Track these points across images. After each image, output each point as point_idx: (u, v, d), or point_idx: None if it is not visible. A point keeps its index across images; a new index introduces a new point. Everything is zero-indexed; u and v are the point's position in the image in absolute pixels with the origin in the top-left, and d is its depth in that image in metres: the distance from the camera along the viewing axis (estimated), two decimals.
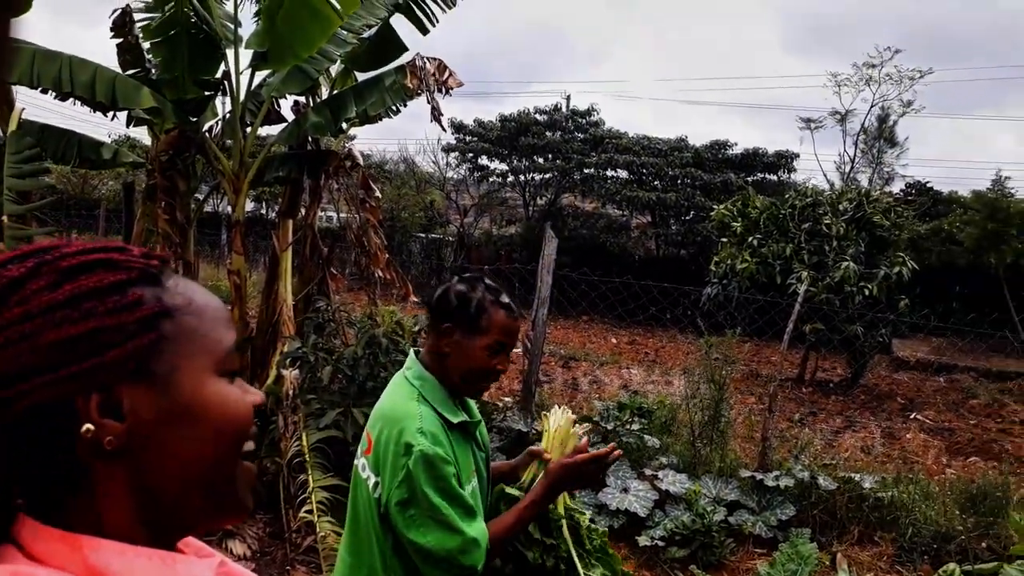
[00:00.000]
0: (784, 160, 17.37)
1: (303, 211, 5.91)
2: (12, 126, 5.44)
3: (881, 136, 17.29)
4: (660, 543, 4.49)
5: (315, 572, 4.00)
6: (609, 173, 18.27)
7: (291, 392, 4.79)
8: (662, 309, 13.52)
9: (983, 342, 12.64)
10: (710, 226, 13.71)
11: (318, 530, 4.14)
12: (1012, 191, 16.30)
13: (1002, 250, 12.85)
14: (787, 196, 11.62)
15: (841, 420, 8.54)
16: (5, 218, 4.99)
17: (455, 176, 22.07)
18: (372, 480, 1.71)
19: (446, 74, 5.02)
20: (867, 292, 9.93)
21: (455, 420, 1.75)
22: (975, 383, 10.68)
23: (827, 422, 8.37)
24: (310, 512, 4.21)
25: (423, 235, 20.53)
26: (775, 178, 17.57)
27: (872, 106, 19.55)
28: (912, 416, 9.04)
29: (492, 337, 1.76)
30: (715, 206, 12.95)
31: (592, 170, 18.17)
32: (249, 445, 0.71)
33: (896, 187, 18.14)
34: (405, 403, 1.74)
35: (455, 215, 21.29)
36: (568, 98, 21.06)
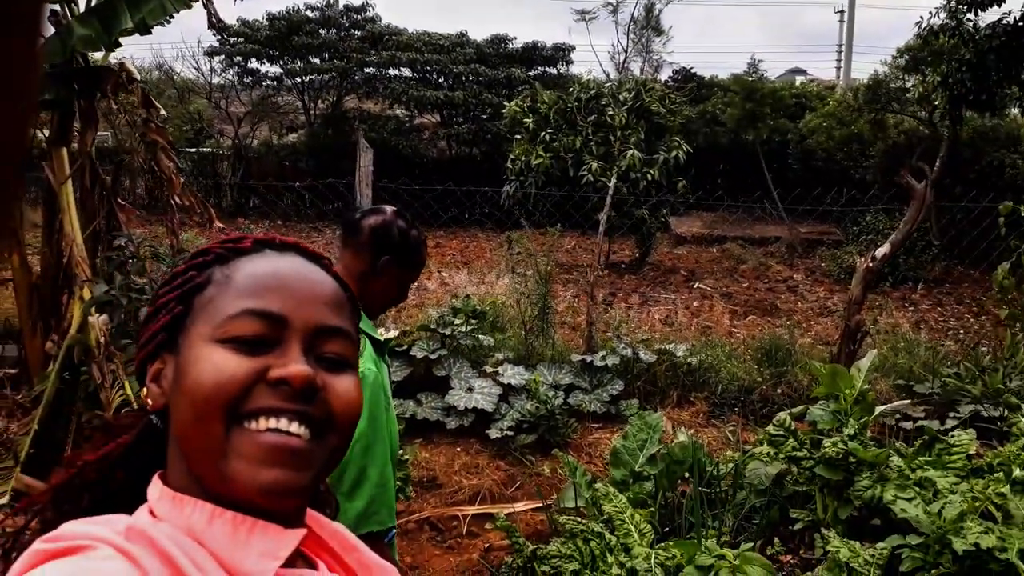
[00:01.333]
0: (562, 53, 17.80)
1: (76, 137, 5.22)
2: None
3: (649, 25, 18.21)
4: (509, 433, 4.76)
5: None
6: (392, 72, 17.74)
7: (102, 339, 4.37)
8: (462, 210, 13.73)
9: (748, 214, 14.21)
10: (501, 124, 13.90)
11: None
12: (764, 72, 18.03)
13: (758, 127, 14.32)
14: (571, 89, 12.02)
15: (638, 297, 9.34)
16: None
17: (222, 82, 20.29)
18: None
19: None
20: (650, 177, 10.71)
21: (382, 339, 1.84)
22: (743, 250, 12.06)
23: (627, 300, 9.12)
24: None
25: (192, 150, 18.86)
26: (555, 71, 18.01)
27: None
28: (695, 286, 10.08)
29: (419, 272, 1.92)
30: (504, 103, 13.11)
31: (374, 69, 17.54)
32: (272, 423, 0.65)
33: (665, 75, 19.32)
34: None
35: (227, 126, 19.72)
36: None
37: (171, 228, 5.38)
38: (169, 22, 5.13)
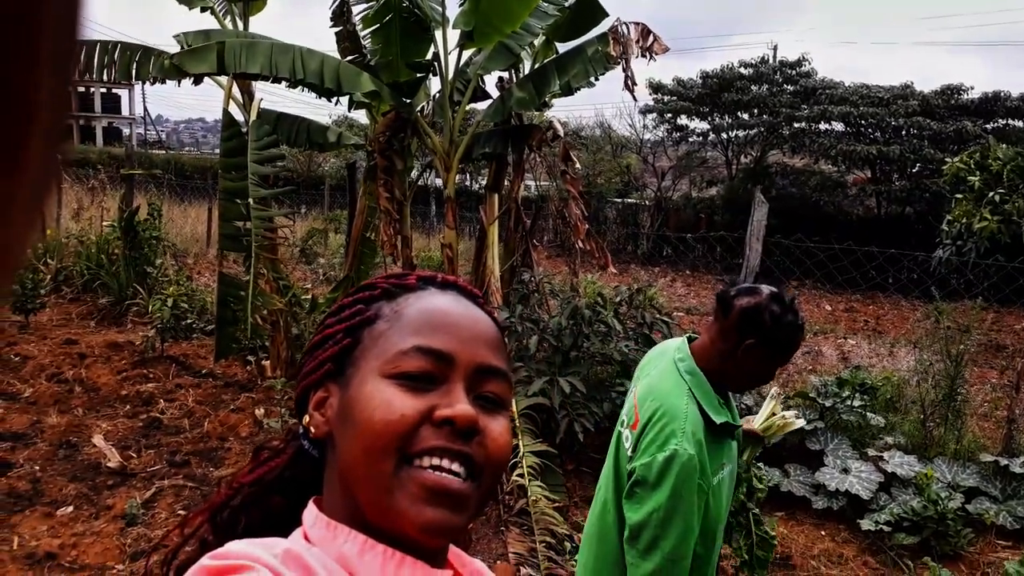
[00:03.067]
0: None
1: (507, 185, 6.09)
2: (253, 115, 6.07)
3: None
4: (885, 528, 4.20)
5: (527, 533, 4.17)
6: (822, 126, 16.97)
7: None
8: (884, 274, 12.48)
9: None
10: (941, 181, 12.35)
11: (529, 493, 4.31)
12: None
13: None
14: None
15: None
16: (251, 201, 5.60)
17: (652, 138, 21.58)
18: (630, 448, 1.85)
19: (650, 39, 4.89)
20: None
21: (718, 421, 1.83)
22: None
23: None
24: (521, 476, 4.39)
25: (619, 200, 20.33)
26: (1021, 124, 15.42)
27: None
28: None
29: (789, 356, 1.91)
30: (947, 159, 11.64)
31: (803, 124, 16.98)
32: (435, 461, 0.67)
33: None
34: (677, 397, 1.83)
35: (652, 179, 20.87)
36: (775, 48, 19.74)
37: (572, 268, 5.94)
38: (593, 85, 5.70)
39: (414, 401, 0.68)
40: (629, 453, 1.85)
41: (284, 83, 5.42)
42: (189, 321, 7.24)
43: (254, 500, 0.78)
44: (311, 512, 0.72)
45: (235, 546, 0.65)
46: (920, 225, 14.40)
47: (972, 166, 10.31)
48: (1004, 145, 10.63)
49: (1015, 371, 4.91)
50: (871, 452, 4.78)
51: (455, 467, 0.67)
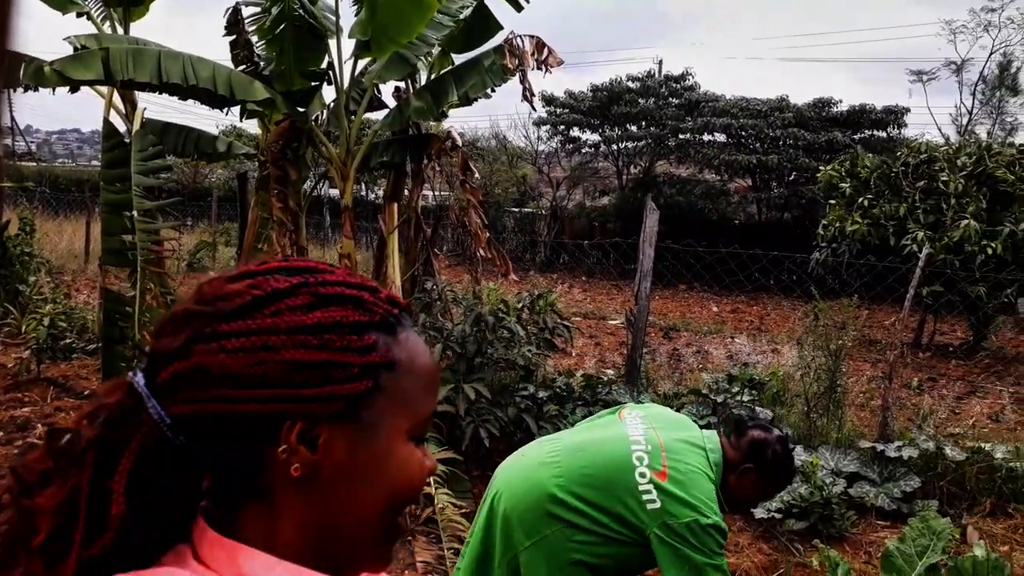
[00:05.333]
0: (893, 116, 16.43)
1: (406, 194, 6.07)
2: (136, 124, 5.80)
3: (1003, 84, 16.05)
4: (777, 515, 4.43)
5: (435, 542, 4.16)
6: (706, 137, 17.79)
7: None
8: (766, 275, 13.18)
9: None
10: (816, 188, 13.18)
11: (436, 501, 4.30)
12: None
13: None
14: (899, 153, 11.02)
15: (963, 386, 8.12)
16: (136, 213, 5.35)
17: (546, 149, 22.00)
18: (653, 496, 2.02)
19: (544, 52, 5.01)
20: (990, 251, 9.34)
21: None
22: None
23: (948, 388, 7.98)
24: (427, 485, 4.38)
25: (516, 210, 20.61)
26: (884, 135, 16.67)
27: (992, 53, 18.21)
28: None
29: (774, 493, 2.32)
30: (820, 167, 12.43)
31: (688, 135, 17.74)
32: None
33: (1020, 138, 16.87)
34: (707, 482, 2.08)
35: (547, 188, 21.27)
36: (660, 63, 20.53)
37: (474, 276, 5.97)
38: (489, 96, 5.78)
39: (425, 461, 0.71)
40: (652, 496, 2.03)
41: (174, 93, 5.23)
42: (68, 341, 6.83)
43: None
44: (205, 535, 0.64)
45: None
46: (798, 229, 15.30)
47: (843, 174, 11.06)
48: (871, 155, 11.45)
49: (888, 363, 5.29)
50: None
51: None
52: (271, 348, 0.62)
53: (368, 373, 0.65)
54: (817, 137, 15.98)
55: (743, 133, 16.90)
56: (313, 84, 5.35)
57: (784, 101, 17.26)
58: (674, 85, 19.13)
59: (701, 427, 2.36)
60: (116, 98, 5.81)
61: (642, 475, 2.05)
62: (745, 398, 5.28)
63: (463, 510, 4.25)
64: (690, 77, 19.19)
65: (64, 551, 0.59)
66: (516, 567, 2.14)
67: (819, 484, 4.42)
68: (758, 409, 5.24)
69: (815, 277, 10.53)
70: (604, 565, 2.11)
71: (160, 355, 0.64)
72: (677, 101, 18.66)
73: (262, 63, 5.72)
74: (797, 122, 16.44)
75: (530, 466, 2.24)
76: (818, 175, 12.12)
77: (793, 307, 12.68)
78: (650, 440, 2.14)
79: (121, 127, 5.76)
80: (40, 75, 4.70)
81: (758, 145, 16.96)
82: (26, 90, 5.24)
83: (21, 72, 5.33)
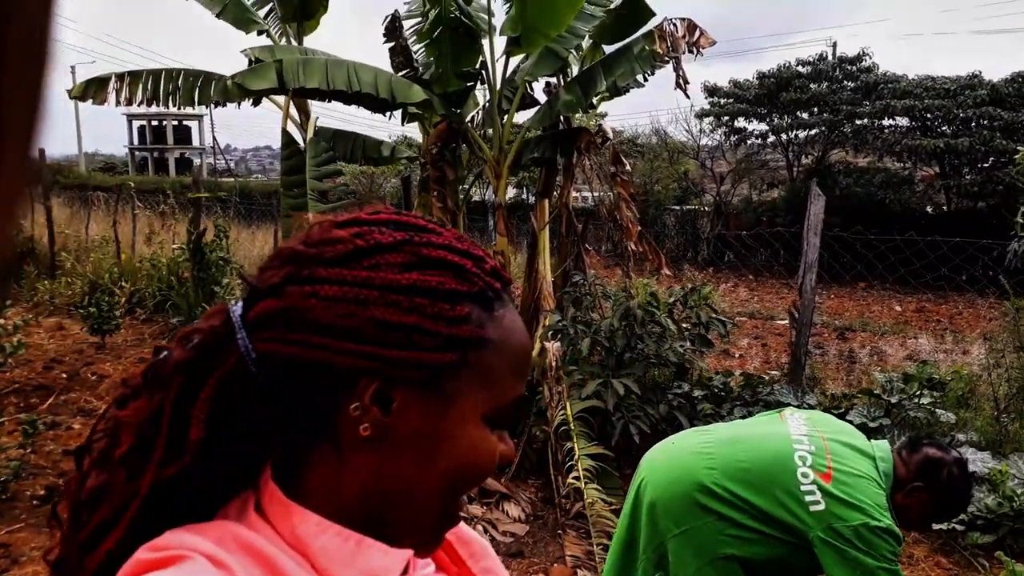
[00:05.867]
0: None
1: (558, 190, 6.10)
2: (310, 133, 6.25)
3: None
4: (958, 527, 4.02)
5: (584, 536, 4.15)
6: (886, 122, 16.48)
7: (554, 363, 4.98)
8: (956, 269, 12.00)
9: None
10: (1015, 172, 11.83)
11: (585, 496, 4.29)
12: None
13: None
14: None
15: None
16: (311, 216, 5.75)
17: (710, 143, 21.31)
18: (816, 498, 1.95)
19: (696, 34, 4.86)
20: None
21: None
22: None
23: None
24: (577, 479, 4.38)
25: (677, 207, 20.11)
26: None
27: None
28: None
29: (945, 517, 2.16)
30: (1020, 149, 11.15)
31: (865, 120, 16.51)
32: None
33: None
34: (876, 487, 1.99)
35: (711, 184, 20.59)
36: (834, 45, 19.31)
37: (625, 271, 5.90)
38: (642, 85, 5.67)
39: (500, 446, 0.68)
40: (817, 498, 1.96)
41: (340, 98, 5.57)
42: None
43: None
44: (267, 488, 0.64)
45: (171, 535, 0.59)
46: (994, 219, 13.79)
47: None
48: None
49: None
50: None
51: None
52: (362, 302, 0.61)
53: (455, 345, 0.63)
54: (1016, 116, 14.33)
55: (928, 115, 15.48)
56: (467, 84, 5.51)
57: (976, 78, 15.63)
58: (849, 68, 17.87)
59: (873, 433, 2.25)
60: (292, 109, 6.28)
61: (804, 475, 1.98)
62: (925, 400, 4.84)
63: (612, 506, 4.22)
64: (867, 58, 17.85)
65: (143, 468, 0.61)
66: (663, 555, 2.10)
67: (1008, 494, 3.97)
68: (939, 411, 4.79)
69: (1012, 270, 9.47)
70: (759, 562, 2.02)
71: (258, 290, 0.64)
72: (853, 84, 17.42)
73: (420, 68, 5.96)
74: (992, 100, 14.82)
75: (679, 455, 2.20)
76: (1016, 157, 10.87)
77: (989, 306, 11.47)
78: (814, 441, 2.06)
79: (297, 136, 6.23)
80: (224, 90, 5.16)
81: (946, 128, 15.48)
82: (216, 105, 5.80)
83: (212, 89, 5.91)
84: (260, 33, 6.36)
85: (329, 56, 5.43)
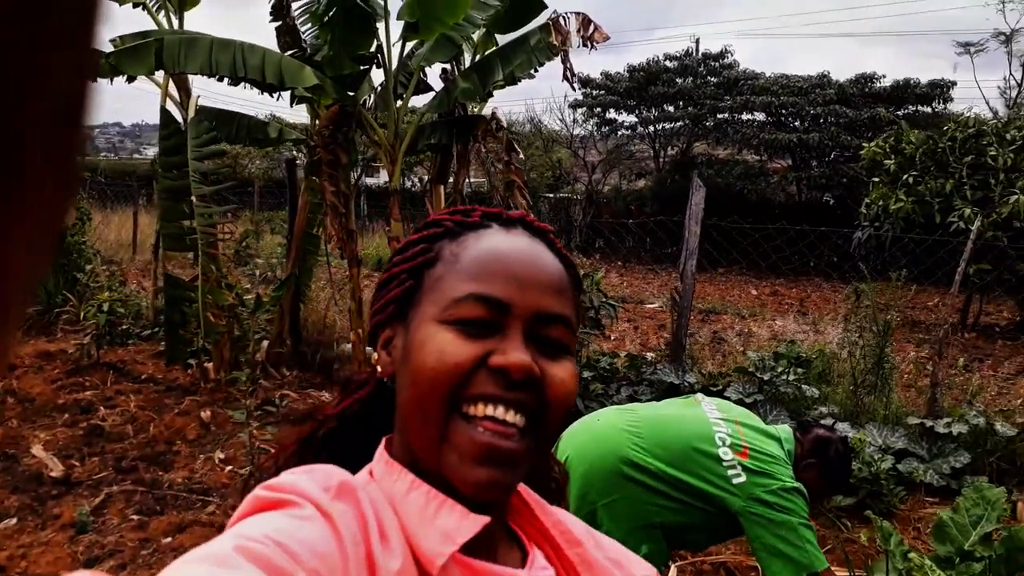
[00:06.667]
0: (939, 90, 16.09)
1: (452, 176, 6.16)
2: (191, 112, 5.97)
3: None
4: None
5: None
6: (745, 117, 17.60)
7: None
8: (806, 257, 13.05)
9: None
10: (859, 166, 13.00)
11: None
12: None
13: None
14: (946, 128, 10.82)
15: (1012, 366, 8.01)
16: (194, 199, 5.52)
17: (582, 132, 21.93)
18: (738, 471, 2.19)
19: (591, 28, 5.04)
20: None
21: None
22: None
23: (995, 369, 7.88)
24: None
25: (551, 195, 20.59)
26: (929, 110, 16.34)
27: None
28: None
29: (835, 493, 2.66)
30: (863, 144, 12.25)
31: (726, 115, 17.56)
32: (489, 410, 0.65)
33: None
34: (785, 466, 2.24)
35: (582, 172, 21.21)
36: (697, 42, 20.31)
37: None
38: (533, 76, 5.82)
39: (468, 347, 0.66)
40: (736, 471, 2.20)
41: (226, 80, 5.36)
42: (125, 327, 7.06)
43: (337, 434, 0.78)
44: (379, 449, 0.72)
45: (288, 477, 0.64)
46: (840, 210, 15.10)
47: (887, 150, 10.89)
48: (916, 130, 11.26)
49: (937, 340, 5.27)
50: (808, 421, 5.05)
51: (510, 416, 0.65)
52: (381, 284, 0.77)
53: (411, 275, 0.72)
54: (860, 114, 15.72)
55: (783, 111, 16.69)
56: (362, 68, 5.45)
57: (825, 77, 16.98)
58: (713, 63, 18.92)
59: (749, 408, 2.57)
60: (171, 87, 5.97)
61: (725, 453, 2.21)
62: (791, 377, 5.29)
63: None
64: (729, 55, 18.96)
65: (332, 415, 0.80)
66: (593, 521, 2.24)
67: (867, 460, 4.43)
68: (804, 387, 5.26)
69: (857, 257, 10.43)
70: (687, 527, 2.25)
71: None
72: (716, 80, 18.47)
73: (309, 49, 5.83)
74: (839, 99, 16.18)
75: (607, 432, 2.36)
76: (861, 153, 11.95)
77: (834, 289, 12.56)
78: (729, 424, 2.32)
79: (177, 115, 5.93)
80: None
81: (799, 123, 16.74)
82: None
83: None
84: (136, 6, 5.99)
85: (213, 37, 5.20)
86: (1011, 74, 18.58)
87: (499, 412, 0.65)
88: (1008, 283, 9.24)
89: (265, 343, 6.63)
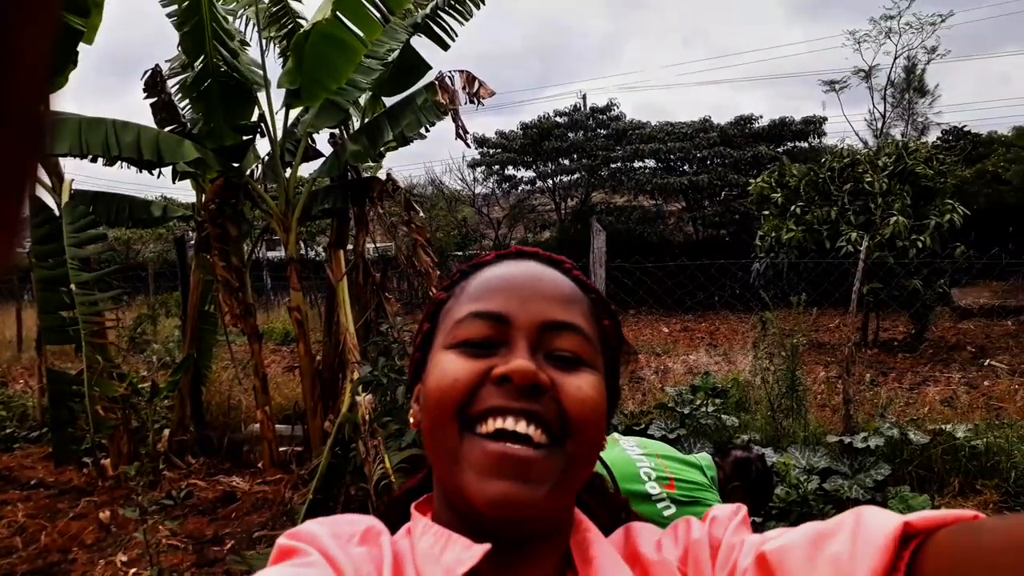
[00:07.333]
0: (812, 125, 17.13)
1: (352, 241, 6.00)
2: (65, 197, 5.62)
3: (910, 87, 16.93)
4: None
5: None
6: (636, 164, 18.20)
7: (367, 417, 4.84)
8: (710, 292, 13.41)
9: None
10: (748, 201, 13.57)
11: None
12: None
13: None
14: (823, 160, 11.45)
15: (913, 376, 8.34)
16: (73, 287, 5.15)
17: (484, 190, 22.18)
18: (667, 503, 2.16)
19: (476, 85, 5.06)
20: (920, 244, 9.72)
21: None
22: None
23: (899, 381, 8.19)
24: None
25: (460, 252, 20.62)
26: (806, 145, 17.35)
27: (896, 58, 19.22)
28: (986, 363, 8.80)
29: (761, 509, 2.60)
30: (750, 181, 12.82)
31: (619, 164, 18.10)
32: (498, 423, 0.63)
33: (933, 136, 17.76)
34: (712, 493, 2.24)
35: (488, 229, 21.38)
36: (584, 97, 21.03)
37: None
38: (424, 136, 5.79)
39: (470, 364, 0.65)
40: (666, 503, 2.18)
41: (100, 160, 5.09)
42: (10, 430, 6.50)
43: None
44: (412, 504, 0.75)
45: (307, 525, 0.67)
46: (736, 244, 15.67)
47: (773, 184, 11.41)
48: (796, 164, 11.87)
49: (843, 358, 5.40)
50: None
51: (520, 427, 0.62)
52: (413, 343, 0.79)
53: (429, 319, 0.74)
54: (743, 153, 16.52)
55: (672, 156, 17.36)
56: (245, 138, 5.28)
57: (707, 122, 17.82)
58: (600, 116, 19.57)
59: (672, 444, 2.53)
60: (40, 172, 5.62)
61: (652, 488, 2.20)
62: (710, 408, 5.31)
63: None
64: (615, 108, 19.68)
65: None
66: None
67: (794, 482, 4.44)
68: (724, 417, 5.28)
69: (758, 287, 10.77)
70: None
71: None
72: (605, 132, 19.09)
73: (189, 122, 5.62)
74: (722, 140, 16.97)
75: None
76: (749, 189, 12.49)
77: (740, 320, 12.92)
78: (651, 459, 2.31)
79: (49, 201, 5.57)
80: None
81: (687, 167, 17.42)
82: None
83: None
84: None
85: (82, 116, 4.94)
86: (874, 107, 20.08)
87: (508, 423, 0.63)
88: (899, 299, 9.71)
89: (166, 432, 6.22)
